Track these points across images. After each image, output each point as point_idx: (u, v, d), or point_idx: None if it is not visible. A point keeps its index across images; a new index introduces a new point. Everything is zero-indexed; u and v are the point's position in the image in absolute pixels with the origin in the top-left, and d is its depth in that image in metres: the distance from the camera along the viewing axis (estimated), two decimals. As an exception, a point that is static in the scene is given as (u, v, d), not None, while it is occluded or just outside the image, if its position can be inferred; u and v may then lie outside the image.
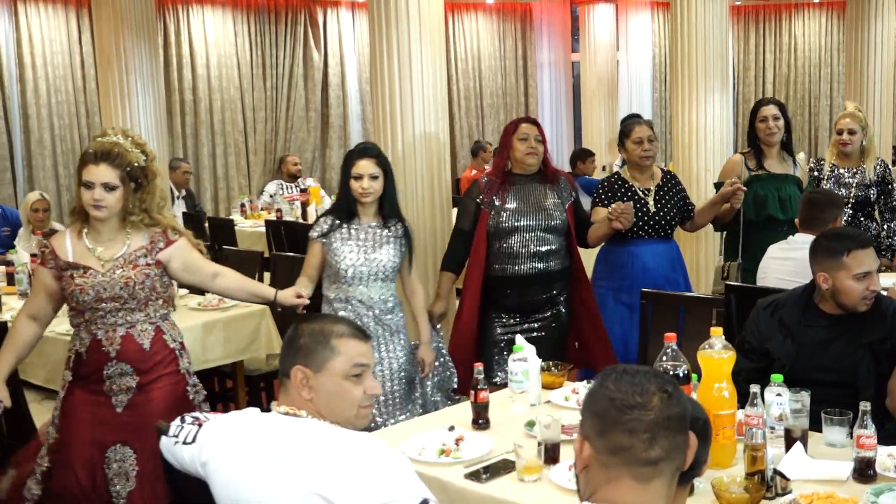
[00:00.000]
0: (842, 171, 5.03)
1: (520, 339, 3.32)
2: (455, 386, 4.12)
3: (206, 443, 2.20)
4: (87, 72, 9.09)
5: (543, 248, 4.28)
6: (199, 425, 2.27)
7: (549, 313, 4.38)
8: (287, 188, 8.91)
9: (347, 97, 11.18)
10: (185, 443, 2.25)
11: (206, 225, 8.10)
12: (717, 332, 2.68)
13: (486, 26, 12.37)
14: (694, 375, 2.70)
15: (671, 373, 2.62)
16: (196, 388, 3.60)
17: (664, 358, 2.67)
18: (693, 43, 7.01)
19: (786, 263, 4.10)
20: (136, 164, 3.35)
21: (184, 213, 8.38)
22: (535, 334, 4.22)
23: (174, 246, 3.47)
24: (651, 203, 4.41)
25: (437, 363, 4.08)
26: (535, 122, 4.41)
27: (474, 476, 2.62)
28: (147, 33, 7.51)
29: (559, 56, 13.10)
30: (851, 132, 4.98)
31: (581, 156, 9.42)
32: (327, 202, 8.48)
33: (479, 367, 3.06)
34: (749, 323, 3.33)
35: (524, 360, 3.21)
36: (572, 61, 13.17)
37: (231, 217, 8.88)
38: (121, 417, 3.38)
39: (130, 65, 7.36)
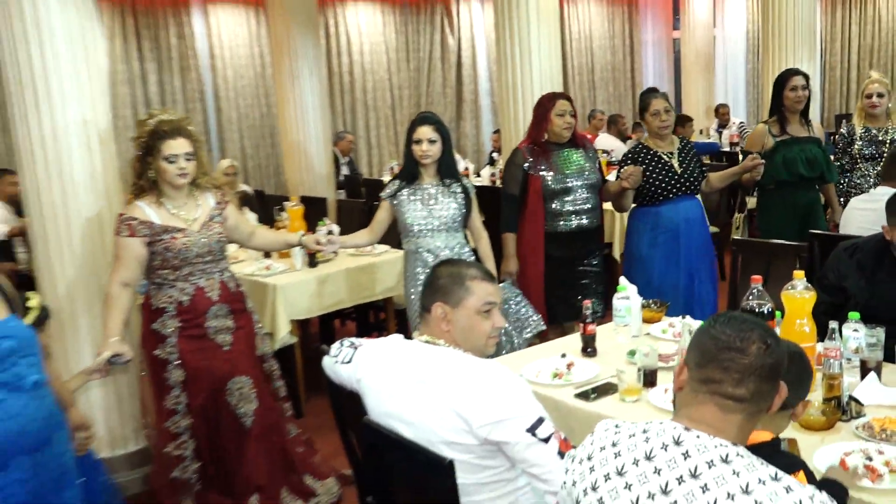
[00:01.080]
0: (873, 131, 4.76)
1: (623, 281, 3.27)
2: (543, 327, 4.03)
3: (360, 363, 2.25)
4: (264, 60, 9.31)
5: (586, 206, 4.22)
6: (355, 348, 2.30)
7: (590, 263, 4.29)
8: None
9: (478, 75, 11.11)
10: (343, 362, 2.29)
11: (362, 185, 8.26)
12: (799, 276, 2.57)
13: (597, 10, 12.04)
14: (777, 313, 2.61)
15: (756, 310, 2.54)
16: (258, 322, 3.70)
17: (750, 297, 2.58)
18: (784, 17, 6.75)
19: (867, 213, 3.91)
20: (196, 136, 3.39)
21: (346, 175, 8.56)
22: (582, 280, 4.23)
23: (229, 207, 3.55)
24: (676, 164, 4.21)
25: (511, 308, 3.97)
26: (569, 98, 4.29)
27: (583, 396, 2.61)
28: (311, 27, 7.64)
29: (661, 34, 12.66)
30: (880, 95, 4.72)
31: (680, 122, 9.12)
32: (462, 164, 8.52)
33: (587, 304, 3.03)
34: (829, 261, 3.19)
35: (627, 298, 3.16)
36: (673, 38, 12.71)
37: (382, 178, 9.01)
38: (229, 354, 3.44)
39: (298, 53, 7.51)
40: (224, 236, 3.47)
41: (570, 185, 4.17)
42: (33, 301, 2.79)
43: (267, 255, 4.82)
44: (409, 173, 3.86)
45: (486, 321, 2.16)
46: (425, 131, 3.77)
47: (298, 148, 7.63)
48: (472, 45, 10.98)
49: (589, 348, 2.99)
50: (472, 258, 3.96)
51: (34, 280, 3.75)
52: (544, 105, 4.23)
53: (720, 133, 9.74)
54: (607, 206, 4.64)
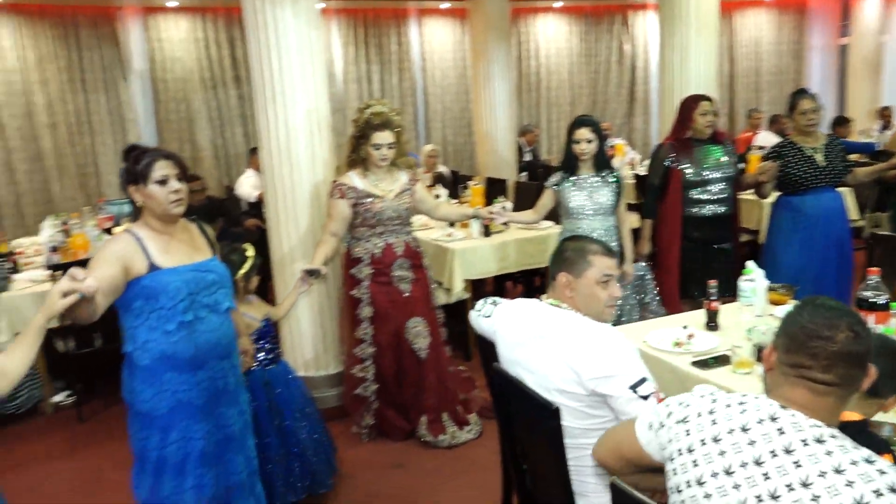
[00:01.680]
0: None
1: (750, 264, 3.06)
2: (658, 299, 4.02)
3: (497, 318, 2.28)
4: (465, 63, 9.43)
5: (721, 196, 4.00)
6: (495, 305, 2.35)
7: (721, 246, 4.07)
8: (600, 146, 8.73)
9: (649, 77, 10.65)
10: (484, 316, 2.34)
11: (542, 168, 8.21)
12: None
13: (767, 18, 11.11)
14: (893, 304, 2.36)
15: (870, 300, 2.31)
16: (431, 280, 3.85)
17: (866, 288, 2.36)
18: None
19: None
20: (399, 125, 3.61)
21: (528, 162, 8.55)
22: (713, 262, 4.02)
23: (418, 184, 3.78)
24: (820, 158, 3.87)
25: (637, 281, 4.01)
26: (710, 99, 4.06)
27: (699, 364, 2.50)
28: (504, 36, 7.67)
29: (829, 40, 11.48)
30: None
31: (840, 122, 8.35)
32: (630, 154, 8.29)
33: (712, 283, 2.87)
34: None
35: (752, 280, 2.98)
36: (840, 44, 11.51)
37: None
38: (408, 298, 3.66)
39: (492, 58, 7.57)
40: (411, 206, 3.68)
41: (707, 177, 3.99)
42: (250, 251, 3.09)
43: (451, 224, 4.95)
44: (570, 166, 3.86)
45: (604, 291, 2.12)
46: (583, 133, 3.77)
47: (488, 136, 7.75)
48: (645, 51, 10.54)
49: (712, 323, 2.85)
50: (616, 243, 3.95)
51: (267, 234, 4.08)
52: (688, 105, 4.05)
53: (881, 134, 8.77)
54: (751, 196, 4.43)
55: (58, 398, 4.53)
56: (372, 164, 3.57)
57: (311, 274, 3.69)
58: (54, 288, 1.85)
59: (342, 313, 3.88)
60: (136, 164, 2.27)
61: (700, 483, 1.42)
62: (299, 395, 3.24)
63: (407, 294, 3.65)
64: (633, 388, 1.88)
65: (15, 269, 4.57)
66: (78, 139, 7.58)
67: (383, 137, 3.51)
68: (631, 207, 4.33)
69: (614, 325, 2.16)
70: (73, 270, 1.87)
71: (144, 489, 2.34)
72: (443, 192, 5.99)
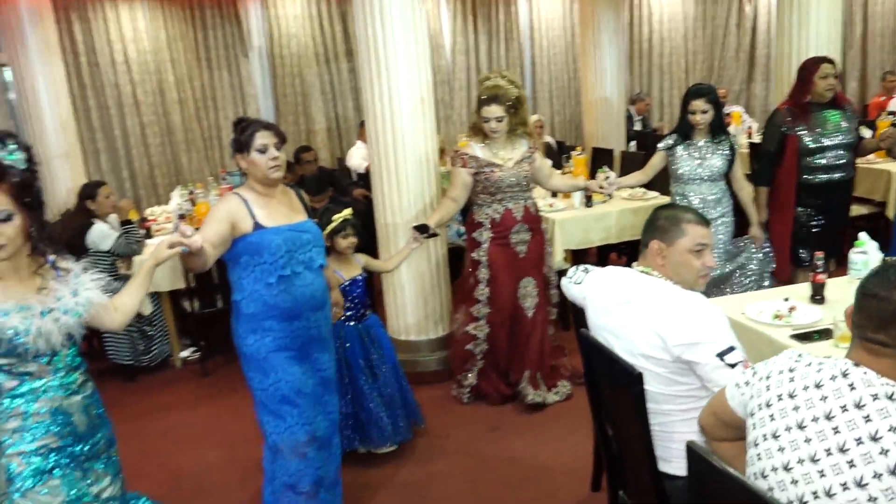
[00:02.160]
0: None
1: (863, 236, 2.91)
2: (774, 265, 3.95)
3: (588, 285, 2.31)
4: (574, 32, 9.24)
5: (839, 163, 3.82)
6: (586, 272, 2.37)
7: (834, 215, 3.94)
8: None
9: (770, 40, 10.04)
10: (575, 283, 2.38)
11: (652, 138, 7.99)
12: None
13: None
14: None
15: None
16: (548, 243, 3.96)
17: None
18: None
19: None
20: (514, 97, 3.63)
21: (637, 132, 8.34)
22: (823, 231, 3.92)
23: (537, 153, 3.84)
24: None
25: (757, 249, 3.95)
26: (832, 62, 3.86)
27: (800, 337, 2.43)
28: (615, 3, 7.46)
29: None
30: None
31: None
32: (747, 122, 7.94)
33: (819, 255, 2.76)
34: None
35: (864, 252, 2.83)
36: None
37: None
38: (523, 260, 3.78)
39: (601, 27, 7.41)
40: (529, 174, 3.77)
41: (825, 143, 3.83)
42: (338, 214, 3.29)
43: (553, 195, 4.94)
44: (684, 133, 3.88)
45: (697, 260, 2.10)
46: (699, 104, 3.78)
47: (596, 106, 7.62)
48: (768, 12, 9.93)
49: (817, 296, 2.75)
50: (731, 205, 3.92)
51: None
52: (808, 68, 3.87)
53: None
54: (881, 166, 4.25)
55: (184, 354, 4.92)
56: (492, 136, 3.70)
57: (422, 231, 3.82)
58: (164, 239, 2.12)
59: (462, 274, 4.04)
60: (241, 134, 2.51)
61: (775, 437, 1.45)
62: (387, 347, 3.47)
63: (522, 255, 3.77)
64: (721, 356, 1.87)
65: (148, 235, 4.98)
66: (203, 114, 8.06)
67: (491, 111, 3.61)
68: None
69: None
70: (183, 227, 2.13)
71: (263, 424, 2.62)
72: (547, 162, 5.98)
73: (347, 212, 3.40)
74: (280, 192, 2.64)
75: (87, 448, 1.99)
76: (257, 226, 2.49)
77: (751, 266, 3.91)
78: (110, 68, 7.54)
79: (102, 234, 4.49)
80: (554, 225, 4.60)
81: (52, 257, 1.98)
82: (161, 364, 4.79)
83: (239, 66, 8.09)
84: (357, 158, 6.49)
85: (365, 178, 6.13)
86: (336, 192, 5.43)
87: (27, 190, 1.85)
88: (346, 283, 3.36)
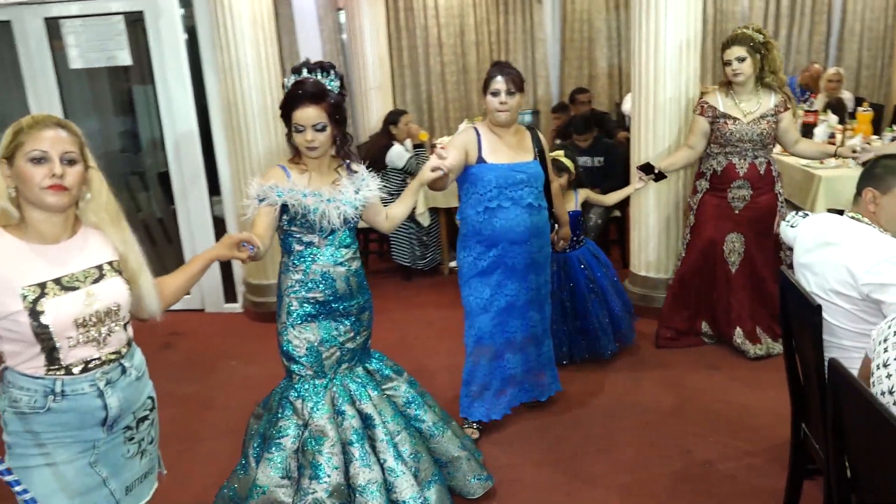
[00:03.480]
0: None
1: None
2: None
3: (801, 228, 2.40)
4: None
5: None
6: (804, 217, 2.45)
7: None
8: None
9: None
10: (791, 226, 2.47)
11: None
12: None
13: None
14: None
15: None
16: (782, 205, 3.75)
17: None
18: None
19: None
20: (756, 41, 3.50)
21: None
22: None
23: (787, 112, 3.63)
24: None
25: None
26: None
27: None
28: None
29: None
30: None
31: None
32: None
33: None
34: None
35: None
36: None
37: None
38: (736, 216, 3.74)
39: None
40: (768, 132, 3.65)
41: None
42: (553, 154, 3.64)
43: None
44: None
45: (911, 210, 2.09)
46: None
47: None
48: None
49: None
50: None
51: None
52: None
53: None
54: None
55: (452, 264, 5.66)
56: (735, 84, 3.65)
57: (646, 171, 3.93)
58: (428, 163, 2.56)
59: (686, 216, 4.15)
60: (486, 77, 2.93)
61: None
62: (599, 269, 3.83)
63: (737, 211, 3.75)
64: (909, 299, 1.90)
65: (433, 159, 5.73)
66: (496, 56, 8.69)
67: (732, 52, 3.56)
68: None
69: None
70: (440, 151, 2.55)
71: (470, 326, 3.09)
72: (832, 118, 5.59)
73: (558, 153, 3.78)
74: (512, 132, 2.95)
75: (341, 307, 2.49)
76: (480, 159, 2.86)
77: None
78: (422, 12, 8.47)
79: (399, 154, 5.31)
80: (819, 182, 4.40)
81: (348, 161, 2.47)
82: (433, 269, 5.57)
83: (532, 12, 8.54)
84: (630, 104, 6.62)
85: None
86: (602, 132, 5.68)
87: (338, 109, 2.37)
88: (572, 214, 3.78)
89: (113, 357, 1.73)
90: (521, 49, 8.64)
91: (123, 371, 1.76)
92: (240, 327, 4.82)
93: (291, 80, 2.37)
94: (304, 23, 6.38)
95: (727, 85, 3.69)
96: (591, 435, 3.26)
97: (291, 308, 2.46)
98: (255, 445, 2.54)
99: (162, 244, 5.48)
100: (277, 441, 2.43)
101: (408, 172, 5.28)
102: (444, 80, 8.69)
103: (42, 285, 1.61)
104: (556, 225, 3.46)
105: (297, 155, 2.42)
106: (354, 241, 2.52)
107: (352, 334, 2.54)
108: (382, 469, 2.47)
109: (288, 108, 2.35)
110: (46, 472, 1.68)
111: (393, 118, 5.48)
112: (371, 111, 7.28)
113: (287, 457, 2.41)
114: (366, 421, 2.51)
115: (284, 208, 2.35)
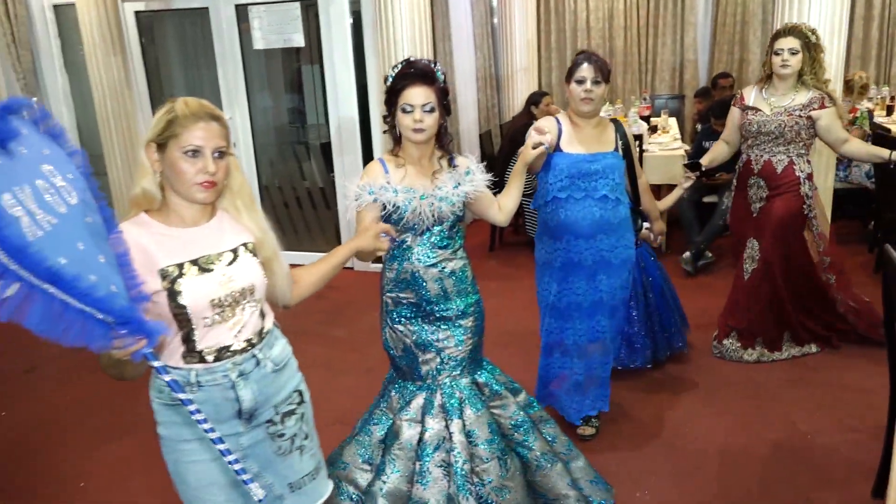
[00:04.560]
0: None
1: None
2: None
3: None
4: None
5: None
6: None
7: None
8: None
9: None
10: None
11: None
12: None
13: None
14: None
15: None
16: (810, 207, 3.49)
17: None
18: None
19: None
20: (810, 39, 3.33)
21: None
22: None
23: (825, 110, 3.35)
24: None
25: None
26: None
27: None
28: None
29: None
30: None
31: None
32: None
33: None
34: None
35: None
36: None
37: None
38: (754, 218, 3.59)
39: None
40: (797, 129, 3.41)
41: None
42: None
43: None
44: None
45: None
46: None
47: None
48: None
49: None
50: None
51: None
52: None
53: None
54: None
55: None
56: (776, 77, 3.45)
57: (693, 168, 3.66)
58: (528, 140, 2.50)
59: None
60: (571, 65, 2.79)
61: None
62: (655, 273, 3.64)
63: (755, 213, 3.59)
64: None
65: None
66: (644, 40, 8.65)
67: (785, 42, 3.36)
68: None
69: None
70: (539, 125, 2.60)
71: (542, 321, 3.02)
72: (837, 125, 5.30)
73: None
74: (594, 124, 2.79)
75: (436, 309, 2.29)
76: (557, 148, 2.74)
77: None
78: (571, -4, 8.61)
79: (537, 133, 5.57)
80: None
81: (451, 155, 2.30)
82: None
83: (684, -5, 8.43)
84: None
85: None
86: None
87: (446, 95, 2.22)
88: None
89: (245, 346, 1.71)
90: (671, 33, 8.55)
91: (257, 363, 1.73)
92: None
93: (395, 70, 2.23)
94: (457, 7, 6.74)
95: (766, 79, 3.51)
96: (700, 399, 3.44)
97: (388, 307, 2.36)
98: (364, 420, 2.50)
99: (321, 210, 6.08)
100: (369, 427, 2.41)
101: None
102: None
103: (180, 266, 1.62)
104: (643, 222, 3.23)
105: (396, 146, 2.28)
106: (455, 240, 2.31)
107: (452, 341, 2.32)
108: (449, 495, 2.27)
109: (397, 87, 2.18)
110: (199, 466, 1.71)
111: (535, 99, 5.74)
112: (516, 92, 7.57)
113: (373, 444, 2.37)
114: (450, 440, 2.29)
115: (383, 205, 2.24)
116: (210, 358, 1.67)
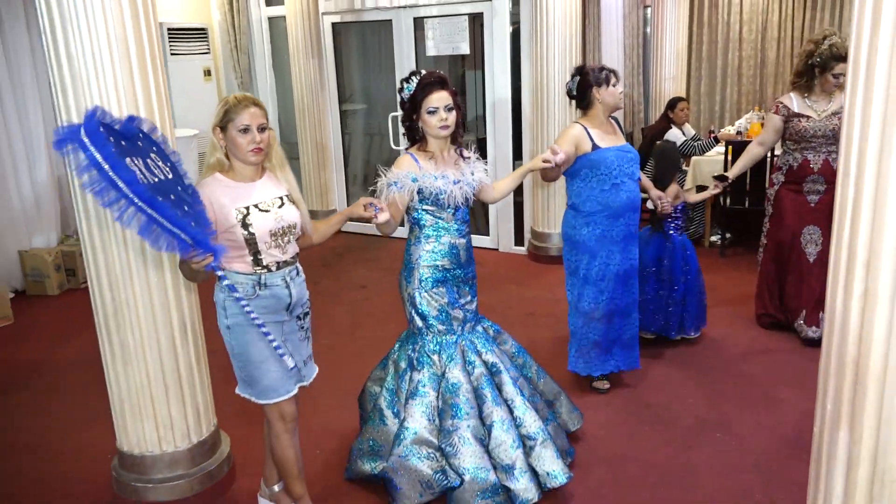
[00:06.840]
0: None
1: None
2: None
3: None
4: None
5: None
6: None
7: None
8: None
9: None
10: None
11: None
12: None
13: None
14: None
15: None
16: None
17: None
18: None
19: None
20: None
21: None
22: None
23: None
24: None
25: None
26: None
27: None
28: None
29: None
30: None
31: None
32: None
33: None
34: None
35: None
36: None
37: None
38: (812, 209, 3.91)
39: None
40: (837, 128, 3.69)
41: None
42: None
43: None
44: None
45: None
46: None
47: None
48: None
49: None
50: None
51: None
52: None
53: None
54: None
55: (714, 238, 6.16)
56: (820, 90, 3.81)
57: (721, 180, 4.17)
58: (541, 155, 2.97)
59: None
60: (598, 71, 3.32)
61: None
62: (690, 259, 4.09)
63: (813, 204, 3.92)
64: None
65: (714, 144, 6.22)
66: (797, 51, 8.62)
67: (843, 68, 3.63)
68: None
69: None
70: (554, 146, 2.93)
71: (574, 294, 3.45)
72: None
73: (657, 144, 4.21)
74: (607, 122, 3.34)
75: (462, 273, 2.76)
76: (595, 147, 3.23)
77: None
78: (725, 9, 8.77)
79: (674, 136, 5.96)
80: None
81: (461, 148, 2.76)
82: (696, 241, 6.12)
83: (843, 8, 8.34)
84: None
85: None
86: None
87: (457, 97, 2.66)
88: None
89: (291, 261, 2.38)
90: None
91: (298, 272, 2.41)
92: (522, 264, 5.96)
93: (412, 82, 2.64)
94: (609, 18, 7.19)
95: (805, 88, 3.85)
96: (744, 374, 3.80)
97: (424, 276, 2.71)
98: (388, 398, 2.82)
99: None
100: (421, 390, 2.70)
101: (683, 154, 5.89)
102: (739, 74, 8.90)
103: (247, 208, 2.26)
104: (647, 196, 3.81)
105: (420, 142, 2.70)
106: (469, 217, 2.80)
107: (469, 297, 2.82)
108: (510, 408, 2.72)
109: (422, 94, 2.59)
110: (259, 346, 2.29)
111: (672, 104, 6.13)
112: (663, 98, 7.90)
113: (430, 403, 2.69)
114: (491, 368, 2.77)
115: (419, 190, 2.62)
116: (273, 268, 2.32)
